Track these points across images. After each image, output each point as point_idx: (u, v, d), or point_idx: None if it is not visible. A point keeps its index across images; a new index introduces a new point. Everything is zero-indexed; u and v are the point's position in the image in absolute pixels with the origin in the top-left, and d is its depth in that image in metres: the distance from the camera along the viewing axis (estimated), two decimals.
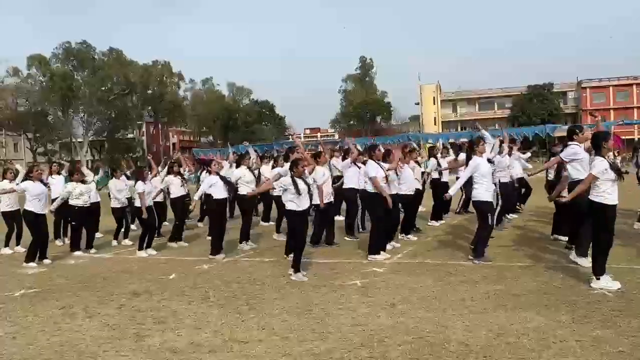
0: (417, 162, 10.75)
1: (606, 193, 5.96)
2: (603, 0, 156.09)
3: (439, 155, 12.27)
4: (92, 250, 10.36)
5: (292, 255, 7.69)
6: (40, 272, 8.73)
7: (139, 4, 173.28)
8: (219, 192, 9.21)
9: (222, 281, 7.35)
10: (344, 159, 10.89)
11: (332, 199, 9.72)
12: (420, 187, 10.72)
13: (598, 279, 5.98)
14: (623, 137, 46.03)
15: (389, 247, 8.71)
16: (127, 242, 11.28)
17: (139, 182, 9.57)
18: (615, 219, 6.11)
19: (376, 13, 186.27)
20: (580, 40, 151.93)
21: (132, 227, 12.06)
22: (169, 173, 11.36)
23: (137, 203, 9.64)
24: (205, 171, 11.53)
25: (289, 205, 7.32)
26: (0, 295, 7.15)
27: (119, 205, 11.09)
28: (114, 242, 11.33)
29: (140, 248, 9.71)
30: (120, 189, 11.08)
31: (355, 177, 9.96)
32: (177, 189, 11.07)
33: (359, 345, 4.56)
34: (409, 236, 9.90)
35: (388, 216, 8.35)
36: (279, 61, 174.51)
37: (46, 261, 9.30)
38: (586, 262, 6.72)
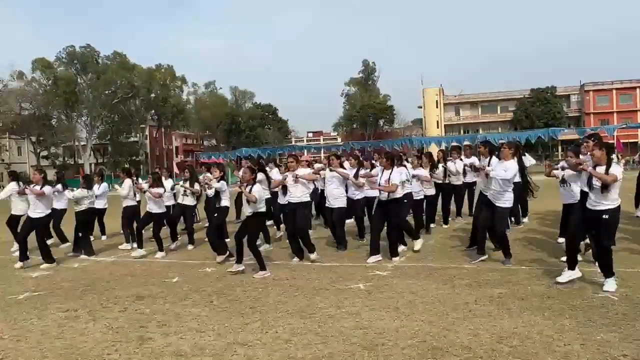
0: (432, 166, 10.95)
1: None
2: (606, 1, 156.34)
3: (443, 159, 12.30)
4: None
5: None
6: (44, 275, 8.73)
7: (143, 7, 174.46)
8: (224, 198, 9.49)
9: (225, 284, 7.35)
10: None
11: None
12: (428, 192, 10.85)
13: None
14: (626, 141, 46.00)
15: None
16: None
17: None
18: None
19: (378, 17, 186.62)
20: (584, 42, 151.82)
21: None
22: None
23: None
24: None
25: None
26: (4, 298, 7.16)
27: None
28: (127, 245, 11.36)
29: (140, 247, 9.98)
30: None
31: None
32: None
33: (362, 349, 4.56)
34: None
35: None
36: (282, 64, 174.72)
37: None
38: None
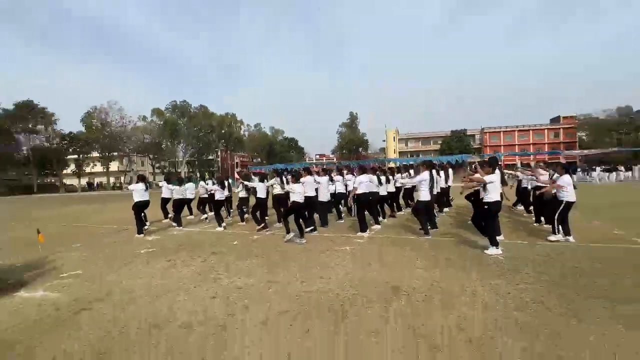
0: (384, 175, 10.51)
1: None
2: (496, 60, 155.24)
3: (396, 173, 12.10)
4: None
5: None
6: (155, 239, 8.70)
7: (219, 76, 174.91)
8: (261, 192, 9.33)
9: (264, 246, 7.30)
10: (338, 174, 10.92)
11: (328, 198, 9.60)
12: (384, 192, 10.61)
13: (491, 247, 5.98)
14: (509, 163, 45.68)
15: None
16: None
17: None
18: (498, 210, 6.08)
19: (365, 90, 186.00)
20: (484, 98, 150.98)
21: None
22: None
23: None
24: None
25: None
26: (132, 252, 7.17)
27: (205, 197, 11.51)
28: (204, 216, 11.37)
29: (220, 223, 9.63)
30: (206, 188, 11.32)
31: (341, 185, 10.21)
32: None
33: (349, 287, 4.53)
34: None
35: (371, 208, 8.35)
36: (301, 112, 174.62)
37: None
38: (553, 237, 6.60)
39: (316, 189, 9.06)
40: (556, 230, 6.60)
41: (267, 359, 3.03)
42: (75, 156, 55.56)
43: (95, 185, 62.50)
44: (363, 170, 8.76)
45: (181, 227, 10.22)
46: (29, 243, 8.37)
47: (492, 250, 5.91)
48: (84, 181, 60.90)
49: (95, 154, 57.12)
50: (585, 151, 39.64)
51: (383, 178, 9.66)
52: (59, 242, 8.50)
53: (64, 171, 55.85)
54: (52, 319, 4.01)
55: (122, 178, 64.44)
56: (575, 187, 6.69)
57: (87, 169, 59.18)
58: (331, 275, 5.04)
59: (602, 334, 3.22)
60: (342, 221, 10.08)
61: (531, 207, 9.65)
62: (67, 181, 59.32)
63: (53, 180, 55.55)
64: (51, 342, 3.48)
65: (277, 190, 9.58)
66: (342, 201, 10.72)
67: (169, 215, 11.29)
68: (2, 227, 11.87)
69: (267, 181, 9.62)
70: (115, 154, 57.64)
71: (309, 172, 8.76)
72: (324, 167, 14.97)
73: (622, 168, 33.07)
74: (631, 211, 10.31)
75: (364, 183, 8.24)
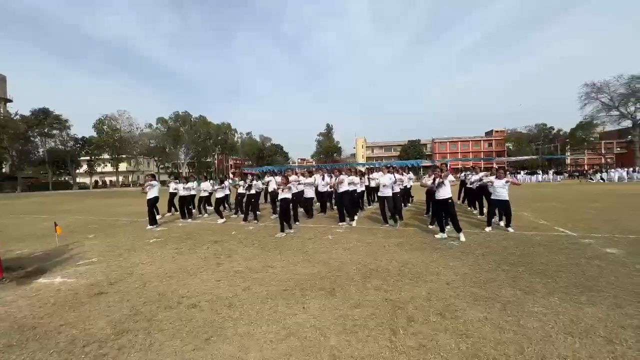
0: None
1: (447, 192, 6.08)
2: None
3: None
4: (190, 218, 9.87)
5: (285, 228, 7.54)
6: (163, 230, 8.28)
7: (217, 91, 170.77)
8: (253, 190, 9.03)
9: (260, 235, 7.09)
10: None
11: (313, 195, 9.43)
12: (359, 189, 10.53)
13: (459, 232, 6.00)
14: (455, 167, 47.15)
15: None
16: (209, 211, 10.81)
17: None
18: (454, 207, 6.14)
19: (338, 105, 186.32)
20: (430, 120, 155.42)
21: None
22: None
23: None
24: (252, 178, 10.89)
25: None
26: (143, 241, 6.79)
27: (206, 195, 10.78)
28: (206, 215, 10.82)
29: (221, 217, 9.26)
30: (206, 187, 10.73)
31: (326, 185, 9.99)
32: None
33: (333, 269, 4.45)
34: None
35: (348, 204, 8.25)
36: (288, 123, 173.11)
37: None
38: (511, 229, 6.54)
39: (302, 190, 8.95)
40: (510, 223, 6.64)
41: (269, 334, 2.90)
42: (88, 158, 52.72)
43: (101, 183, 59.82)
44: (341, 172, 8.71)
45: (188, 220, 9.79)
46: (48, 234, 7.78)
47: (461, 237, 5.92)
48: (95, 179, 57.86)
49: (105, 156, 54.34)
50: (512, 158, 41.55)
51: (357, 178, 9.65)
52: (75, 233, 7.96)
53: (77, 170, 52.87)
54: (71, 302, 3.70)
55: (130, 177, 61.77)
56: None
57: (99, 169, 56.25)
58: (318, 259, 4.94)
59: (543, 305, 3.30)
60: (325, 214, 10.00)
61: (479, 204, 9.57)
62: (80, 179, 56.17)
63: (67, 179, 52.41)
64: (71, 323, 3.20)
65: (272, 188, 9.37)
66: (328, 197, 10.63)
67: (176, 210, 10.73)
68: (22, 220, 11.01)
69: (262, 179, 9.38)
70: (124, 156, 55.09)
71: (294, 172, 8.62)
72: (308, 170, 14.74)
73: (540, 172, 34.97)
74: (549, 204, 10.81)
75: (345, 182, 8.23)
